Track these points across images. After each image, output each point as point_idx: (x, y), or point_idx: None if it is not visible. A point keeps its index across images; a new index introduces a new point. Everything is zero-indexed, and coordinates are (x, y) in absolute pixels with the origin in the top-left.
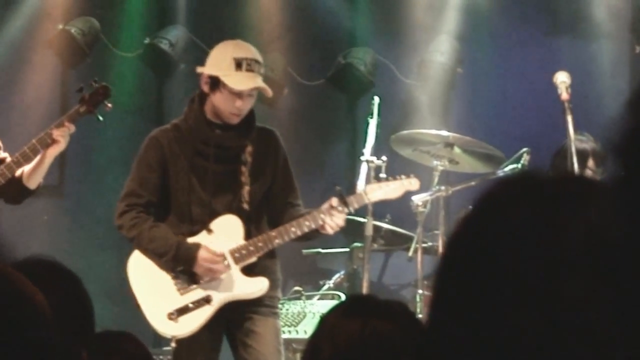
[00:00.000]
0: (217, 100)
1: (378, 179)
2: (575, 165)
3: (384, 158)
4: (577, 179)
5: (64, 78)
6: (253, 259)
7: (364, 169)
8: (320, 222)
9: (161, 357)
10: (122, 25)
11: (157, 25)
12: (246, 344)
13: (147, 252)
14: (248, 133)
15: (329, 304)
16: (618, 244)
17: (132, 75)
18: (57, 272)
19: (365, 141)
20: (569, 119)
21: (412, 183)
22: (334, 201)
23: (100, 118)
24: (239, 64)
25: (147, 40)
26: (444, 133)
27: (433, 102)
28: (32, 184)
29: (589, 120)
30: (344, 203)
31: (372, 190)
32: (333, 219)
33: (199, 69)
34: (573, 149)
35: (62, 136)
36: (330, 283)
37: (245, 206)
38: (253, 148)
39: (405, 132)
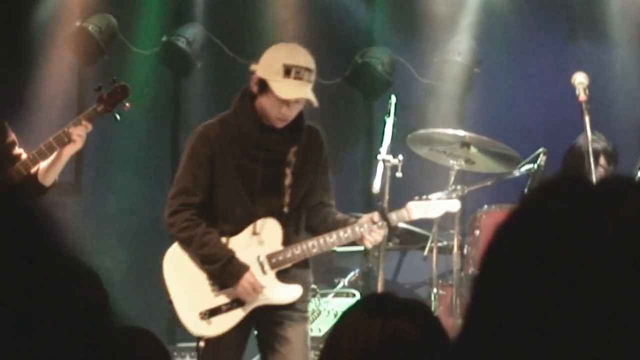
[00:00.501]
0: (264, 102)
1: (420, 197)
2: (592, 164)
3: (401, 157)
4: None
5: (81, 75)
6: (288, 265)
7: (380, 168)
8: (359, 236)
9: (175, 353)
10: (139, 23)
11: (175, 23)
12: (274, 349)
13: (194, 255)
14: (296, 137)
15: (344, 302)
16: None
17: (149, 73)
18: (76, 269)
19: (381, 140)
20: (587, 119)
21: (454, 204)
22: (375, 216)
23: (118, 117)
24: (287, 71)
25: (164, 38)
26: (461, 133)
27: (450, 102)
28: (48, 181)
29: (604, 121)
30: (385, 219)
31: (413, 207)
32: (372, 234)
33: (253, 67)
34: (590, 150)
35: (79, 135)
36: (345, 281)
37: (285, 209)
38: (298, 147)
39: (421, 131)
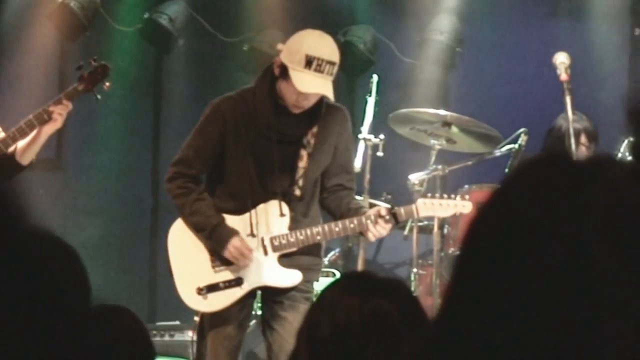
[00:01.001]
0: (283, 87)
1: (432, 195)
2: (573, 143)
3: (382, 136)
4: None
5: (62, 52)
6: (292, 250)
7: (361, 146)
8: (365, 228)
9: (154, 331)
10: (121, 0)
11: (157, 0)
12: (272, 327)
13: (187, 222)
14: (314, 121)
15: (324, 281)
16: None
17: (131, 50)
18: (55, 246)
19: (363, 119)
20: (568, 99)
21: (465, 206)
22: (383, 210)
23: (99, 97)
24: (309, 62)
25: (146, 15)
26: (442, 112)
27: (432, 81)
28: (25, 160)
29: (587, 101)
30: (393, 214)
31: (423, 205)
32: (377, 228)
33: (279, 46)
34: (571, 130)
35: (59, 114)
36: (325, 260)
37: (297, 192)
38: (318, 128)
39: (403, 110)
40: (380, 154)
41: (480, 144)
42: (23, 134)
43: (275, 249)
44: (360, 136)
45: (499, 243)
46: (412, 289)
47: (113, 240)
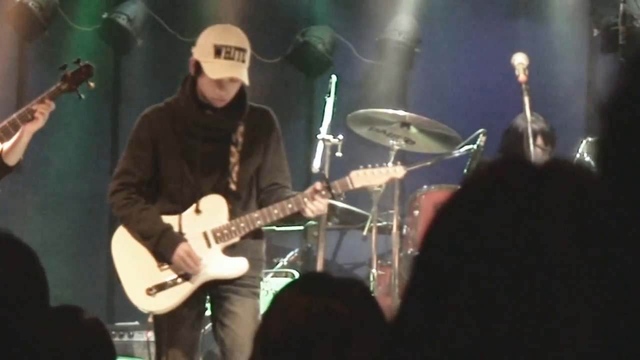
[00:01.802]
0: (202, 84)
1: (364, 166)
2: (531, 145)
3: (341, 137)
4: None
5: (21, 52)
6: (235, 239)
7: (320, 147)
8: (303, 206)
9: (113, 332)
10: (80, 0)
11: (116, 0)
12: (223, 324)
13: (133, 232)
14: (238, 115)
15: (283, 281)
16: (602, 206)
17: (90, 50)
18: (12, 247)
19: (322, 120)
20: (526, 100)
21: (397, 170)
22: (318, 185)
23: (82, 97)
24: (218, 51)
25: (105, 15)
26: (401, 113)
27: (391, 81)
28: (11, 160)
29: (546, 102)
30: (328, 188)
31: (356, 176)
32: (315, 204)
33: (193, 49)
34: (530, 130)
35: (41, 113)
36: (284, 261)
37: (233, 186)
38: (245, 128)
39: (362, 111)
40: (339, 154)
41: (439, 144)
42: (7, 134)
43: (217, 240)
44: (319, 136)
45: (459, 242)
46: (371, 289)
47: (71, 240)
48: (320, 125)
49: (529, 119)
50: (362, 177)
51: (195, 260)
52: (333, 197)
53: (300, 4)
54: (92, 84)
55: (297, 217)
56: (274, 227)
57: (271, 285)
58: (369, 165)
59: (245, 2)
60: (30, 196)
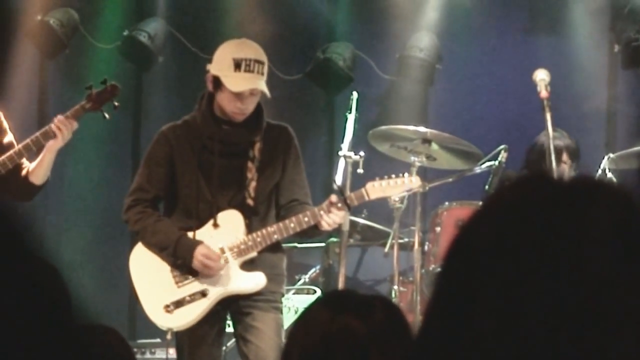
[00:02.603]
0: (221, 99)
1: (380, 177)
2: (553, 161)
3: (362, 153)
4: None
5: (42, 69)
6: (253, 254)
7: (341, 164)
8: (319, 219)
9: (135, 349)
10: (101, 17)
11: (136, 18)
12: (246, 339)
13: (149, 245)
14: (255, 130)
15: (305, 298)
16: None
17: (111, 68)
18: (37, 264)
19: (343, 136)
20: (548, 116)
21: (413, 181)
22: (333, 198)
23: (107, 116)
24: (237, 65)
25: (125, 32)
26: (422, 129)
27: (412, 98)
28: (38, 179)
29: (567, 118)
30: (344, 200)
31: (372, 188)
32: (331, 216)
33: (208, 66)
34: (552, 147)
35: (64, 131)
36: (305, 278)
37: (250, 202)
38: (262, 144)
39: (383, 127)
40: (360, 171)
41: (460, 160)
42: (28, 150)
43: (235, 255)
44: (340, 153)
45: (488, 257)
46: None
47: (92, 257)
48: (342, 142)
49: (550, 135)
50: (378, 188)
51: (214, 259)
52: (349, 209)
53: (321, 20)
54: (117, 104)
55: (315, 231)
56: (296, 244)
57: (293, 302)
58: (385, 177)
59: (266, 19)
60: (50, 212)
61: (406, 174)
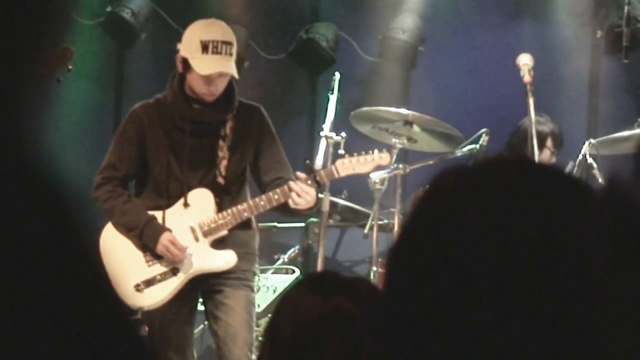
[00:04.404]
0: (190, 79)
1: (350, 154)
2: (535, 146)
3: (343, 134)
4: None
5: None
6: (223, 232)
7: (322, 144)
8: (288, 195)
9: None
10: None
11: None
12: (216, 316)
13: (117, 225)
14: (227, 109)
15: (283, 278)
16: None
17: (93, 44)
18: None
19: (325, 117)
20: (531, 101)
21: (383, 157)
22: (303, 175)
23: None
24: (205, 47)
25: (109, 9)
26: (404, 111)
27: (394, 80)
28: None
29: (550, 102)
30: (313, 177)
31: (342, 165)
32: (302, 193)
33: (178, 45)
34: (534, 132)
35: None
36: (284, 257)
37: (220, 180)
38: (234, 123)
39: (365, 109)
40: (341, 151)
41: (441, 143)
42: None
43: (205, 234)
44: (321, 134)
45: (444, 240)
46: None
47: None
48: (323, 122)
49: (532, 120)
50: (348, 165)
51: (179, 248)
52: (319, 186)
53: (305, 0)
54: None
55: (290, 210)
56: (275, 224)
57: (272, 281)
58: (355, 154)
59: None
60: None
61: (376, 151)
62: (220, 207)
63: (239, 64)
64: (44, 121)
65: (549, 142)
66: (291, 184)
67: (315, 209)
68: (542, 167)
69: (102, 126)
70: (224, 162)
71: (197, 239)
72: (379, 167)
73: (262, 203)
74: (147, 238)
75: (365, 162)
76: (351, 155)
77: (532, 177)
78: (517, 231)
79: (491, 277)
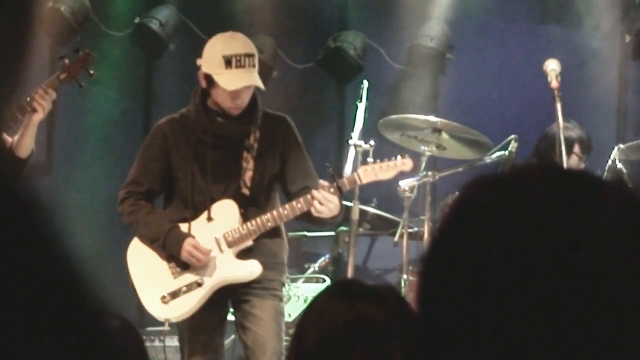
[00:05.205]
0: (216, 95)
1: (367, 162)
2: (564, 152)
3: (372, 142)
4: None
5: (52, 56)
6: (248, 243)
7: (351, 153)
8: (311, 203)
9: (144, 337)
10: (111, 4)
11: (147, 5)
12: (244, 326)
13: (141, 237)
14: (250, 120)
15: (314, 287)
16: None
17: (121, 55)
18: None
19: (353, 125)
20: (559, 107)
21: (405, 163)
22: (325, 182)
23: (82, 85)
24: (228, 62)
25: (136, 20)
26: (432, 118)
27: (422, 87)
28: (22, 152)
29: (578, 108)
30: (336, 185)
31: (364, 172)
32: (324, 201)
33: (198, 61)
34: (562, 137)
35: (41, 103)
36: (315, 266)
37: (245, 191)
38: (259, 134)
39: (393, 116)
40: (370, 160)
41: (470, 150)
42: (6, 126)
43: (229, 244)
44: (350, 142)
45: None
46: (402, 294)
47: (101, 245)
48: (352, 131)
49: (560, 126)
50: (370, 172)
51: (203, 251)
52: (341, 194)
53: (332, 9)
54: (92, 72)
55: (313, 219)
56: (305, 233)
57: (302, 290)
58: (377, 160)
59: (277, 8)
60: (60, 200)
61: (399, 157)
62: (246, 217)
63: (267, 73)
64: (72, 133)
65: (576, 148)
66: (314, 192)
67: (340, 217)
68: (572, 173)
69: (131, 137)
70: (249, 173)
71: (221, 250)
72: (402, 173)
73: (285, 212)
74: (170, 246)
75: (388, 168)
76: (374, 161)
77: (563, 184)
78: (550, 239)
79: (523, 286)
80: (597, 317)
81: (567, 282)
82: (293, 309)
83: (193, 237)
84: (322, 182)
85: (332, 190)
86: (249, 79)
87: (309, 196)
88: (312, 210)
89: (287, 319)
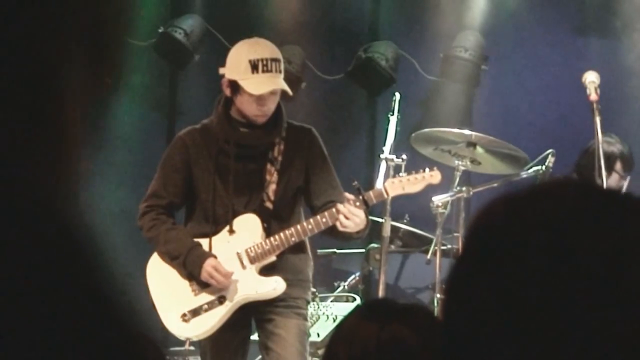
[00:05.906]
0: (240, 102)
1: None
2: (603, 168)
3: (404, 156)
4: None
5: None
6: (271, 258)
7: (383, 167)
8: (336, 217)
9: (167, 357)
10: (136, 14)
11: (172, 14)
12: (268, 347)
13: (161, 253)
14: (273, 131)
15: (343, 306)
16: None
17: (146, 65)
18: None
19: (385, 138)
20: (598, 120)
21: (434, 175)
22: (351, 197)
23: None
24: (255, 67)
25: (161, 29)
26: (467, 132)
27: (456, 99)
28: None
29: (616, 121)
30: (362, 199)
31: (391, 185)
32: (350, 215)
33: (221, 70)
34: (601, 152)
35: None
36: (345, 285)
37: (269, 205)
38: (285, 146)
39: (426, 130)
40: (402, 174)
41: (505, 165)
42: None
43: (252, 260)
44: (382, 156)
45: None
46: (435, 314)
47: (124, 265)
48: (383, 144)
49: (599, 140)
50: (397, 185)
51: (223, 274)
52: (368, 208)
53: (364, 19)
54: (109, 81)
55: (339, 234)
56: (335, 250)
57: (332, 310)
58: (404, 173)
59: (306, 17)
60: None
61: (427, 169)
62: (269, 232)
63: (296, 84)
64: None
65: (617, 165)
66: (339, 206)
67: (366, 232)
68: (605, 193)
69: (155, 147)
70: (273, 186)
71: (243, 266)
72: (431, 186)
73: (310, 227)
74: (190, 266)
75: (416, 181)
76: (399, 175)
77: (593, 205)
78: (578, 263)
79: (550, 302)
80: (632, 336)
81: (591, 300)
82: (322, 329)
83: (214, 256)
84: (348, 196)
85: (357, 204)
86: (276, 83)
87: (334, 210)
88: (338, 225)
89: (316, 338)
